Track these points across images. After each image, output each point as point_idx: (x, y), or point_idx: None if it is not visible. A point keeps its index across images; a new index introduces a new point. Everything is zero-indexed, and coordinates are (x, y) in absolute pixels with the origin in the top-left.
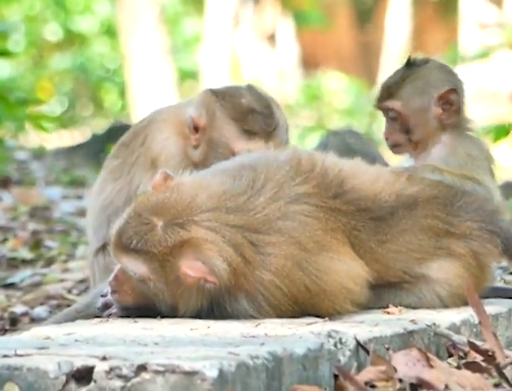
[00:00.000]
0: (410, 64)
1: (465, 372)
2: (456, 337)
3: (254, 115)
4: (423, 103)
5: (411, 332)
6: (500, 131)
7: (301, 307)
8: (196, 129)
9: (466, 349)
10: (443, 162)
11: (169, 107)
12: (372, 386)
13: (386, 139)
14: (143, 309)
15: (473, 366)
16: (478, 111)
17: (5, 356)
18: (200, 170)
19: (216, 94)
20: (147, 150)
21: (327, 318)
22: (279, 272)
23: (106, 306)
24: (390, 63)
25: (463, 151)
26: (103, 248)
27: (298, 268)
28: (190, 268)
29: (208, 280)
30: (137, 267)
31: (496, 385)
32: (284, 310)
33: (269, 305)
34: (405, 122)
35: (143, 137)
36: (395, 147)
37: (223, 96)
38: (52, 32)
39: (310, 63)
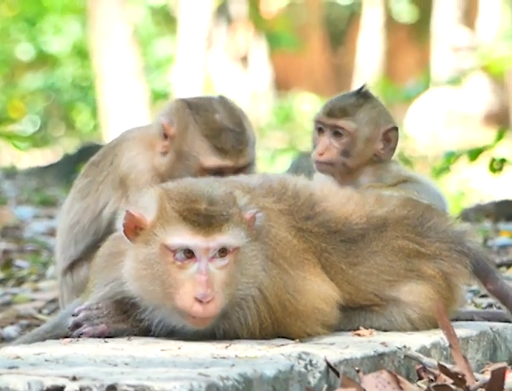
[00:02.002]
0: (362, 93)
1: None
2: (426, 360)
3: (227, 133)
4: (373, 133)
5: (381, 355)
6: (475, 153)
7: (273, 327)
8: (165, 136)
9: (436, 371)
10: (378, 180)
11: (140, 127)
12: None
13: (320, 155)
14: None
15: (443, 389)
16: (450, 133)
17: None
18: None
19: (190, 105)
20: (115, 168)
21: (297, 340)
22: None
23: (77, 326)
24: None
25: (392, 169)
26: (70, 267)
27: (281, 280)
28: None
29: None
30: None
31: None
32: (265, 327)
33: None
34: (350, 146)
35: (113, 156)
36: (326, 165)
37: (197, 110)
38: (24, 51)
39: (282, 84)
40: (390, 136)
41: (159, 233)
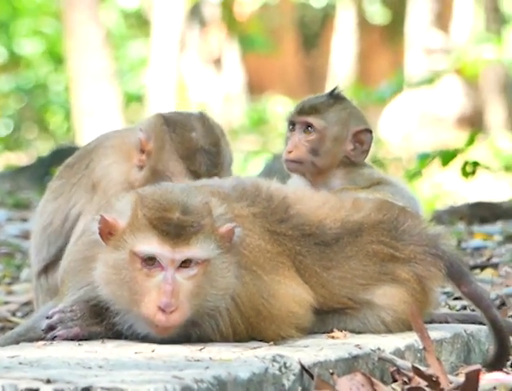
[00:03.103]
0: (335, 95)
1: None
2: (400, 362)
3: (202, 154)
4: (342, 133)
5: (355, 357)
6: (447, 156)
7: (247, 331)
8: (142, 150)
9: (410, 374)
10: (352, 183)
11: (117, 133)
12: None
13: (289, 152)
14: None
15: None
16: (423, 135)
17: None
18: None
19: (167, 122)
20: (90, 173)
21: (272, 343)
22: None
23: (51, 328)
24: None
25: (364, 172)
26: (45, 269)
27: (254, 286)
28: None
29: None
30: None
31: None
32: (239, 332)
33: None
34: (319, 144)
35: (89, 160)
36: (295, 164)
37: (174, 127)
38: None
39: (255, 87)
40: (362, 138)
41: (129, 239)
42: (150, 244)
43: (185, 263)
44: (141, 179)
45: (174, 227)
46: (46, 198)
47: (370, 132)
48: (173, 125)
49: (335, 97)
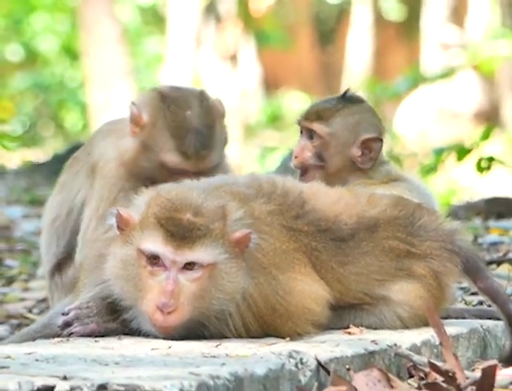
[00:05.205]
0: (346, 98)
1: None
2: (416, 358)
3: (193, 135)
4: (348, 139)
5: (372, 353)
6: (462, 152)
7: (262, 329)
8: (135, 123)
9: (427, 369)
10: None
11: (117, 119)
12: None
13: (295, 157)
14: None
15: (433, 387)
16: (439, 131)
17: None
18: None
19: (164, 99)
20: (90, 158)
21: (288, 338)
22: (255, 284)
23: (67, 325)
24: (351, 84)
25: (381, 169)
26: (57, 267)
27: (269, 286)
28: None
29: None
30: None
31: None
32: (252, 330)
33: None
34: (323, 149)
35: (90, 147)
36: (302, 169)
37: (169, 104)
38: (13, 52)
39: (271, 83)
40: (371, 145)
41: (137, 236)
42: (154, 243)
43: (189, 265)
44: (131, 150)
45: (181, 228)
46: (53, 193)
47: (381, 140)
48: (169, 101)
49: (346, 100)
